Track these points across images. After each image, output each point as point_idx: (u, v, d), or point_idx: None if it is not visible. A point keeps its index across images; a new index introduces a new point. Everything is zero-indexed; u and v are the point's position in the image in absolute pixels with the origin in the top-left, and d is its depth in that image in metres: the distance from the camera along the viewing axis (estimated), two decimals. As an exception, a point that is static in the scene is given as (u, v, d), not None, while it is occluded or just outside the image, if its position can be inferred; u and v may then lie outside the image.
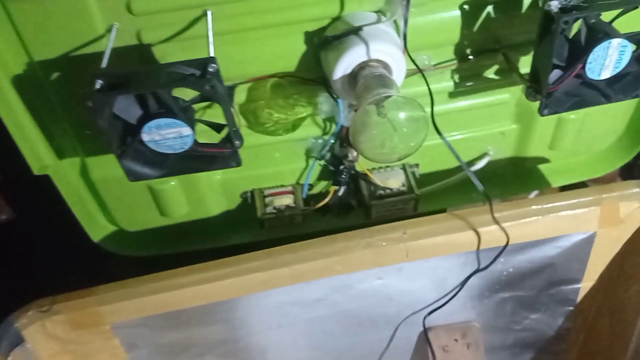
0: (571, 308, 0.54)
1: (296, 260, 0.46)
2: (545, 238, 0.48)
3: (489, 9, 0.49)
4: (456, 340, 0.52)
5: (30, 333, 0.47)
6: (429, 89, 0.46)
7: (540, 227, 0.47)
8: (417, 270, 0.49)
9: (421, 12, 0.48)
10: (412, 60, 0.47)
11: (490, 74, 0.53)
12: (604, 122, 0.56)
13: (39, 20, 0.44)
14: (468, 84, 0.54)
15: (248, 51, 0.48)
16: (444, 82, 0.52)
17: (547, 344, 0.57)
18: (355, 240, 0.46)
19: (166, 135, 0.41)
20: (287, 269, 0.47)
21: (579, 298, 0.54)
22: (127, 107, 0.40)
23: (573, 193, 0.47)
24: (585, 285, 0.53)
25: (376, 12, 0.47)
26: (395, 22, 0.47)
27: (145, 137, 0.40)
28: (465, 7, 0.48)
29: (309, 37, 0.48)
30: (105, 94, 0.38)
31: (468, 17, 0.49)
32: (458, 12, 0.49)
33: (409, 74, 0.48)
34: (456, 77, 0.53)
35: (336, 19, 0.47)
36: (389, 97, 0.40)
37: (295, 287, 0.48)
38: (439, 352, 0.52)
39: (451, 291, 0.50)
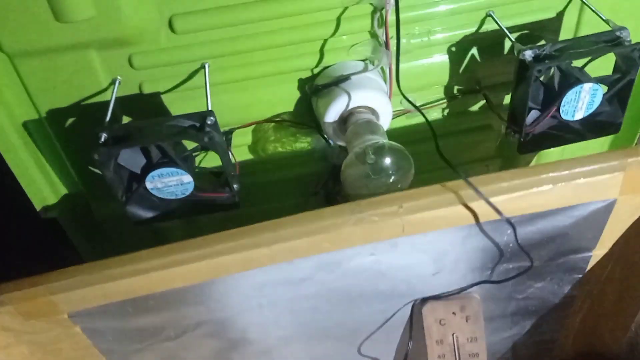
0: (580, 276, 0.50)
1: (276, 240, 0.41)
2: (559, 208, 0.42)
3: (470, 53, 0.53)
4: (454, 313, 0.48)
5: None
6: (429, 123, 0.49)
7: (555, 197, 0.41)
8: (413, 245, 0.43)
9: (406, 59, 0.51)
10: (410, 102, 0.51)
11: (473, 113, 0.58)
12: (584, 150, 0.57)
13: (44, 75, 0.47)
14: (452, 122, 0.58)
15: (244, 99, 0.52)
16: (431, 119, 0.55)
17: (550, 311, 0.52)
18: (344, 216, 0.40)
19: (168, 182, 0.44)
20: (266, 249, 0.41)
21: (589, 266, 0.49)
22: (131, 158, 0.44)
23: (594, 158, 0.41)
24: (598, 253, 0.48)
25: (363, 60, 0.51)
26: (382, 69, 0.51)
27: (148, 185, 0.44)
28: (447, 53, 0.53)
29: (302, 85, 0.52)
30: (110, 147, 0.42)
31: (450, 62, 0.53)
32: (440, 58, 0.53)
33: (397, 115, 0.52)
34: (440, 116, 0.58)
35: (326, 67, 0.51)
36: (375, 143, 0.44)
37: (277, 267, 0.42)
38: (434, 326, 0.48)
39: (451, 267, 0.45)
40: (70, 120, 0.50)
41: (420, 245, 0.43)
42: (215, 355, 0.50)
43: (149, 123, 0.43)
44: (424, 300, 0.48)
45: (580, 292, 0.51)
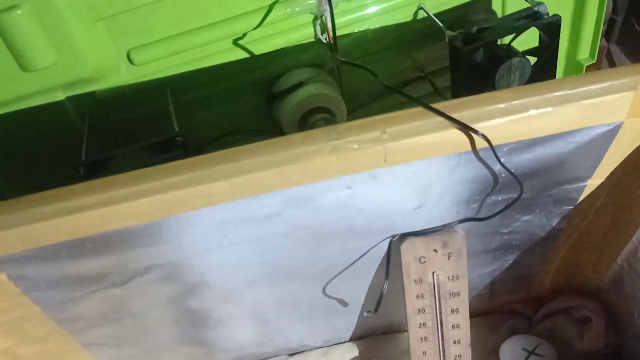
0: (570, 207, 0.46)
1: (238, 171, 0.34)
2: (557, 133, 0.37)
3: (410, 44, 0.57)
4: (435, 250, 0.43)
5: None
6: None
7: (556, 120, 0.36)
8: (396, 177, 0.38)
9: (351, 58, 0.54)
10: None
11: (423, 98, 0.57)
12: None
13: (17, 121, 0.50)
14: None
15: (209, 116, 0.55)
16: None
17: (534, 245, 0.49)
18: (318, 143, 0.34)
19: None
20: (226, 182, 0.35)
21: (582, 197, 0.45)
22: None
23: (600, 75, 0.36)
24: (592, 182, 0.43)
25: (313, 66, 0.54)
26: (332, 70, 0.54)
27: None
28: (390, 47, 0.56)
29: (261, 94, 0.55)
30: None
31: (393, 55, 0.57)
32: (385, 52, 0.57)
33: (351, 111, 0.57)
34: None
35: (281, 75, 0.54)
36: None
37: (239, 203, 0.36)
38: (413, 264, 0.44)
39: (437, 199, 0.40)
40: (45, 159, 0.53)
41: (404, 177, 0.38)
42: (170, 301, 0.44)
43: (122, 151, 0.46)
44: (403, 236, 0.43)
45: (568, 224, 0.47)
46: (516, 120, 0.36)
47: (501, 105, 0.35)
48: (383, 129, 0.35)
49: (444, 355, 0.47)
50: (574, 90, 0.36)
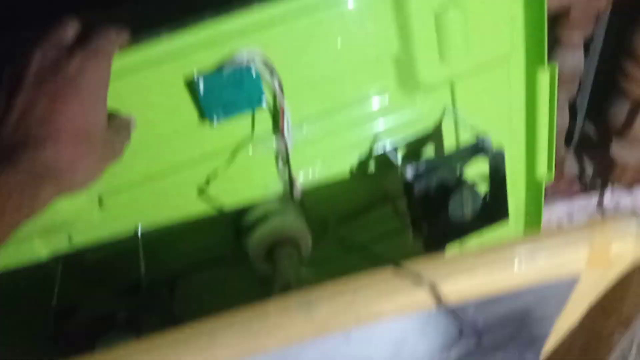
0: (541, 344, 0.48)
1: (213, 344, 0.35)
2: (521, 288, 0.39)
3: (373, 168, 0.58)
4: None
5: None
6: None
7: (519, 278, 0.38)
8: (369, 336, 0.39)
9: (314, 189, 0.56)
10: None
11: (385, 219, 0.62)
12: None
13: None
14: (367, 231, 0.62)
15: (179, 249, 0.56)
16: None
17: None
18: (290, 313, 0.35)
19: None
20: (203, 351, 0.35)
21: (551, 337, 0.47)
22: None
23: (559, 234, 0.39)
24: (560, 325, 0.46)
25: (278, 198, 0.56)
26: (297, 201, 0.56)
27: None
28: (350, 175, 0.58)
29: (229, 226, 0.56)
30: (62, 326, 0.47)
31: (356, 183, 0.58)
32: (348, 179, 0.58)
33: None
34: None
35: (248, 208, 0.55)
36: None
37: None
38: None
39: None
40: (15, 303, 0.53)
41: (377, 335, 0.39)
42: None
43: (92, 297, 0.50)
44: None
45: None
46: (480, 279, 0.37)
47: (464, 265, 0.37)
48: (353, 294, 0.36)
49: None
50: (532, 249, 0.38)
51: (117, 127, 0.44)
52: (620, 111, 0.80)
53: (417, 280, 0.36)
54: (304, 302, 0.36)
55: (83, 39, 0.40)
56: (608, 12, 0.86)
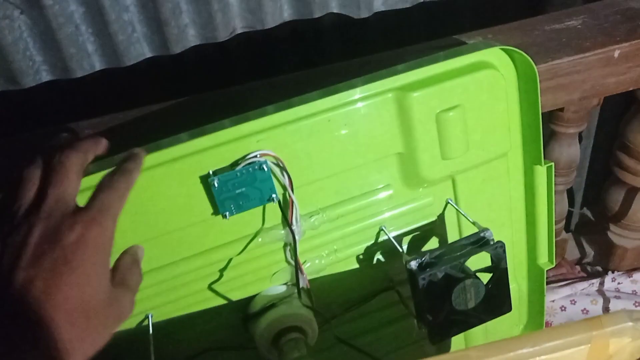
0: None
1: None
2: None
3: (376, 259, 0.60)
4: None
5: None
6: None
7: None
8: None
9: (320, 277, 0.59)
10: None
11: (391, 306, 0.63)
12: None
13: None
14: (373, 318, 0.63)
15: (189, 334, 0.58)
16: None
17: None
18: None
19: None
20: None
21: None
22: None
23: (561, 331, 0.42)
24: None
25: (285, 284, 0.58)
26: (304, 289, 0.57)
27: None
28: (357, 263, 0.60)
29: (237, 313, 0.58)
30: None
31: (360, 270, 0.60)
32: (351, 269, 0.60)
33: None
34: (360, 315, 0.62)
35: (255, 295, 0.57)
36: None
37: None
38: None
39: None
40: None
41: None
42: None
43: None
44: None
45: None
46: None
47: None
48: None
49: None
50: (534, 348, 0.39)
51: (125, 270, 0.44)
52: (616, 198, 0.82)
53: None
54: None
55: (90, 200, 0.40)
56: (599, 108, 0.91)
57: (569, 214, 0.94)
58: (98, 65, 0.77)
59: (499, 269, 0.54)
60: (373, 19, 0.83)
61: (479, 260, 0.54)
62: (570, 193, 0.93)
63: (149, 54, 0.77)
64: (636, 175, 0.77)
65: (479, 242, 0.54)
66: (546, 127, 0.75)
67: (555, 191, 0.80)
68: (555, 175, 0.79)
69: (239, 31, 0.78)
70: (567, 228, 0.92)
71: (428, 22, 0.83)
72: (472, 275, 0.52)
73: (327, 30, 0.83)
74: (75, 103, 0.69)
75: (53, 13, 0.70)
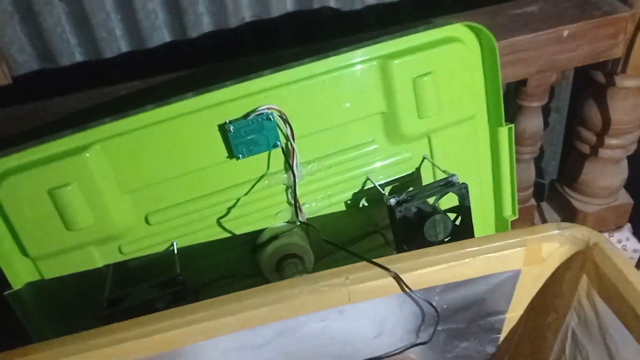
0: (497, 336, 0.59)
1: (241, 309, 0.47)
2: (476, 277, 0.52)
3: (362, 204, 0.70)
4: None
5: None
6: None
7: (471, 268, 0.51)
8: (358, 312, 0.51)
9: (316, 217, 0.69)
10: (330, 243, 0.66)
11: (376, 249, 0.73)
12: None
13: (58, 271, 0.63)
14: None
15: (206, 263, 0.68)
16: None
17: None
18: (299, 287, 0.48)
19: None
20: (232, 318, 0.47)
21: (505, 327, 0.58)
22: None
23: (501, 236, 0.52)
24: (510, 315, 0.57)
25: (287, 222, 0.69)
26: (303, 226, 0.69)
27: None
28: (345, 207, 0.70)
29: (247, 246, 0.68)
30: (112, 310, 0.56)
31: (350, 214, 0.70)
32: (342, 212, 0.70)
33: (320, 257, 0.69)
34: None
35: (263, 230, 0.68)
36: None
37: (240, 334, 0.49)
38: None
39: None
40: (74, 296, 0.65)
41: (364, 312, 0.51)
42: None
43: (136, 289, 0.58)
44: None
45: (498, 351, 0.59)
46: (441, 269, 0.50)
47: (430, 258, 0.50)
48: (346, 276, 0.49)
49: None
50: (482, 247, 0.50)
51: None
52: (576, 167, 0.94)
53: (385, 270, 0.49)
54: (310, 279, 0.48)
55: None
56: (564, 85, 1.02)
57: (542, 186, 1.05)
58: (124, 48, 0.88)
59: (463, 206, 0.64)
60: (365, 10, 0.95)
61: (448, 202, 0.65)
62: (545, 167, 1.04)
63: (168, 39, 0.89)
64: (590, 145, 0.88)
65: (447, 184, 0.64)
66: (514, 103, 0.87)
67: (522, 160, 0.92)
68: (521, 145, 0.90)
69: (248, 19, 0.90)
70: (540, 199, 1.03)
71: (414, 12, 0.95)
72: (441, 211, 0.63)
73: (325, 19, 0.95)
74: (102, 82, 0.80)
75: (88, 2, 0.81)
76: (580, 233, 0.51)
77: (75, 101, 0.72)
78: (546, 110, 1.21)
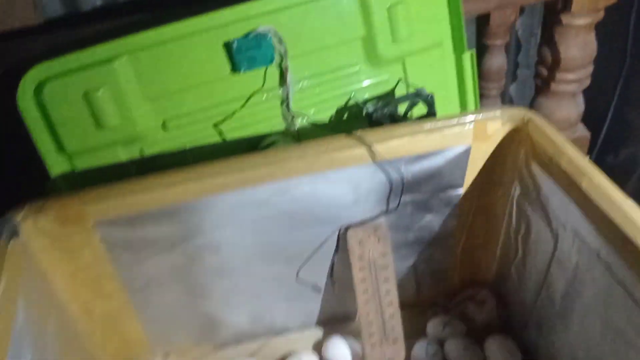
0: (456, 210, 0.69)
1: (244, 167, 0.59)
2: (433, 150, 0.63)
3: (350, 117, 0.79)
4: (369, 235, 0.66)
5: (25, 227, 0.56)
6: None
7: (429, 141, 0.62)
8: (339, 178, 0.62)
9: (307, 130, 0.78)
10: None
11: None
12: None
13: (89, 165, 0.74)
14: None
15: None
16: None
17: (439, 241, 0.72)
18: (290, 152, 0.60)
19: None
20: (236, 175, 0.59)
21: (461, 202, 0.69)
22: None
23: (453, 116, 0.63)
24: (465, 191, 0.68)
25: (283, 132, 0.78)
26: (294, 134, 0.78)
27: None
28: (336, 122, 0.79)
29: (248, 149, 0.77)
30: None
31: (339, 127, 0.77)
32: (332, 125, 0.79)
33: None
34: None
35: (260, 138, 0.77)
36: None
37: (244, 192, 0.60)
38: (356, 246, 0.67)
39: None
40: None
41: (344, 178, 0.62)
42: (192, 273, 0.66)
43: None
44: (348, 227, 0.67)
45: (457, 224, 0.71)
46: (405, 142, 0.62)
47: (395, 132, 0.62)
48: (329, 144, 0.61)
49: (382, 313, 0.69)
50: (439, 123, 0.62)
51: None
52: (537, 102, 1.05)
53: (360, 141, 0.61)
54: (299, 147, 0.60)
55: None
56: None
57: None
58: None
59: (429, 114, 0.75)
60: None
61: (419, 112, 0.77)
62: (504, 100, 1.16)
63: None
64: (547, 80, 1.00)
65: (416, 95, 0.76)
66: (480, 42, 0.99)
67: (489, 95, 1.04)
68: (487, 81, 1.02)
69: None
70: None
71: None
72: (411, 119, 0.75)
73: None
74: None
75: None
76: (517, 112, 0.62)
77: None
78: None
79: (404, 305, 0.70)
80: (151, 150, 0.75)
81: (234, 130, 0.77)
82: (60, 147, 0.71)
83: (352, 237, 0.67)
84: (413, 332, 0.74)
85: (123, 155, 0.74)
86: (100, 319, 0.66)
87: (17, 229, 0.55)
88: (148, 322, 0.70)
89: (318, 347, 0.75)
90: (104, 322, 0.66)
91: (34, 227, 0.57)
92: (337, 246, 0.69)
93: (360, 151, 0.61)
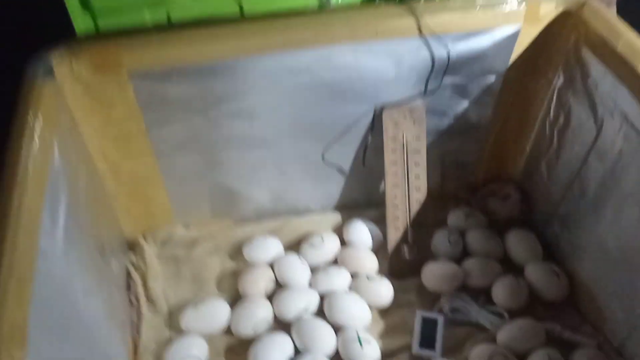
0: (492, 98, 0.68)
1: (287, 27, 0.57)
2: (483, 29, 0.60)
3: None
4: (405, 117, 0.65)
5: (60, 71, 0.53)
6: None
7: (479, 19, 0.59)
8: (382, 49, 0.59)
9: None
10: None
11: None
12: None
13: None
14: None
15: None
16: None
17: (471, 130, 0.71)
18: (336, 16, 0.58)
19: None
20: (279, 37, 0.57)
21: (499, 89, 0.67)
22: None
23: None
24: (506, 77, 0.66)
25: None
26: None
27: None
28: None
29: None
30: None
31: None
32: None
33: None
34: None
35: None
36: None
37: (284, 56, 0.58)
38: (390, 126, 0.66)
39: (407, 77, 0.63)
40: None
41: (388, 50, 0.60)
42: (212, 140, 0.65)
43: None
44: (384, 106, 0.65)
45: (492, 114, 0.70)
46: (454, 18, 0.59)
47: (447, 5, 0.59)
48: (374, 12, 0.58)
49: (408, 198, 0.68)
50: (492, 1, 0.60)
51: None
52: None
53: (410, 11, 0.58)
54: (345, 13, 0.58)
55: None
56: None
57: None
58: None
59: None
60: None
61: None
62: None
63: None
64: None
65: None
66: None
67: None
68: None
69: None
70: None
71: None
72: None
73: None
74: None
75: None
76: (573, -4, 0.60)
77: None
78: None
79: (427, 196, 0.69)
80: (178, 14, 0.70)
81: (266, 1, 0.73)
82: (87, 4, 0.67)
83: (388, 118, 0.65)
84: (435, 223, 0.74)
85: (149, 17, 0.70)
86: (127, 181, 0.65)
87: (52, 69, 0.53)
88: (173, 189, 0.69)
89: (338, 230, 0.75)
90: (130, 184, 0.65)
91: (69, 71, 0.54)
92: (371, 128, 0.67)
93: (408, 22, 0.58)
